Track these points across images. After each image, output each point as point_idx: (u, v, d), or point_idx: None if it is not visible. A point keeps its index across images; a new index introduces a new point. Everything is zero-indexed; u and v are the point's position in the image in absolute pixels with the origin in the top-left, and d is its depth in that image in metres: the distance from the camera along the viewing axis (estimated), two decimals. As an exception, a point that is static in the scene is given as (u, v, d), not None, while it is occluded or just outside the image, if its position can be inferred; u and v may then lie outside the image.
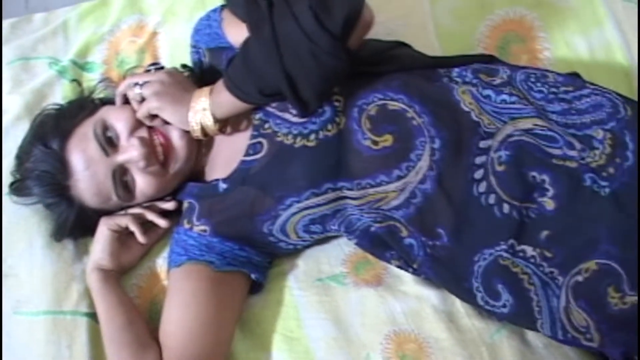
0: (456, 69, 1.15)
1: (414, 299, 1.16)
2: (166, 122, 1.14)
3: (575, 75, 1.19)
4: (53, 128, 1.16)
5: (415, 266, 1.11)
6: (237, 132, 1.16)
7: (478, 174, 1.04)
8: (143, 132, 1.14)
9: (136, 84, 1.15)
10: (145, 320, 1.17)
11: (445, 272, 1.08)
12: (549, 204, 1.01)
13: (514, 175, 1.02)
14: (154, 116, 1.14)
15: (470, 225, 1.04)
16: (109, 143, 1.13)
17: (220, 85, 1.08)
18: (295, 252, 1.23)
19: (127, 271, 1.23)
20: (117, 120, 1.15)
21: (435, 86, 1.12)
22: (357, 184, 1.08)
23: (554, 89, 1.10)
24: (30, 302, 1.18)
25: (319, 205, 1.10)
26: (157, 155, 1.14)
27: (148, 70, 1.19)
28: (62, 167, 1.13)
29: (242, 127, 1.16)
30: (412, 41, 1.25)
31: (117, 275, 1.20)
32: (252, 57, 1.03)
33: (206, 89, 1.10)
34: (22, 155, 1.19)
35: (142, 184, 1.15)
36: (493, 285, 1.04)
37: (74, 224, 1.18)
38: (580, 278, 0.99)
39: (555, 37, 1.39)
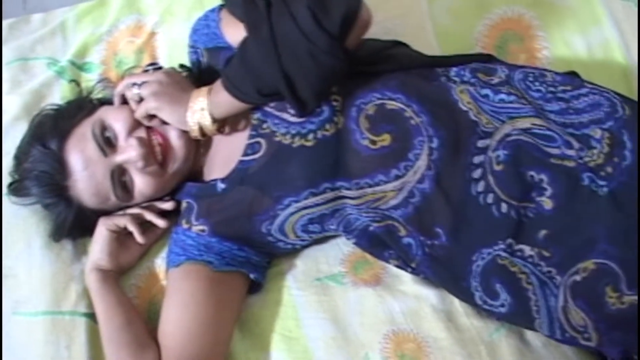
0: (454, 68, 1.15)
1: (412, 299, 1.16)
2: (164, 122, 1.14)
3: (573, 74, 1.19)
4: (51, 128, 1.16)
5: (413, 265, 1.11)
6: (236, 132, 1.16)
7: (476, 174, 1.04)
8: (141, 132, 1.15)
9: (134, 84, 1.15)
10: (144, 320, 1.17)
11: (444, 272, 1.08)
12: (547, 204, 1.01)
13: (512, 175, 1.03)
14: (152, 116, 1.14)
15: (468, 225, 1.04)
16: (107, 143, 1.13)
17: (218, 85, 1.08)
18: (293, 251, 1.23)
19: (125, 271, 1.23)
20: (116, 120, 1.15)
21: (433, 85, 1.12)
22: (356, 184, 1.08)
23: (552, 88, 1.10)
24: (29, 303, 1.18)
25: (317, 205, 1.10)
26: (155, 155, 1.14)
27: (146, 71, 1.20)
28: (60, 168, 1.13)
29: (240, 127, 1.16)
30: (410, 41, 1.25)
31: (116, 276, 1.20)
32: (250, 57, 1.03)
33: (204, 89, 1.10)
34: (21, 156, 1.19)
35: (141, 184, 1.15)
36: (491, 285, 1.04)
37: (72, 224, 1.18)
38: (578, 278, 0.99)
39: (554, 36, 1.39)
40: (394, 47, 1.21)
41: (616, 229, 0.98)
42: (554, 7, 1.39)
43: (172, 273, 1.16)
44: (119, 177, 1.14)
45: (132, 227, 1.18)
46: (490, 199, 1.03)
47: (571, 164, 1.02)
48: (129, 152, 1.12)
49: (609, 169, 1.01)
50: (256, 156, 1.11)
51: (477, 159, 1.04)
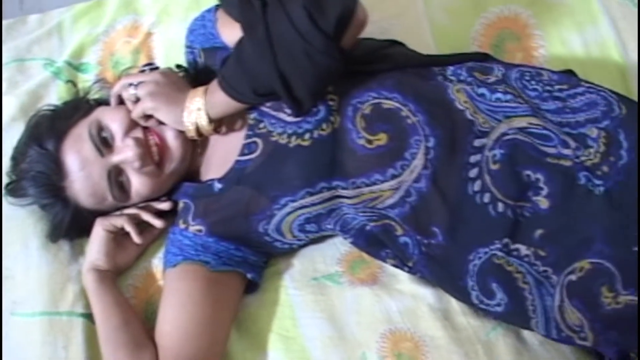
0: (451, 68, 1.15)
1: (409, 298, 1.16)
2: (161, 123, 1.14)
3: (570, 73, 1.19)
4: (48, 129, 1.16)
5: (410, 265, 1.11)
6: (232, 131, 1.16)
7: (473, 173, 1.04)
8: (138, 133, 1.15)
9: (131, 84, 1.15)
10: (141, 320, 1.17)
11: (440, 271, 1.08)
12: (543, 203, 1.01)
13: (509, 174, 1.03)
14: (148, 116, 1.14)
15: (465, 224, 1.04)
16: (104, 143, 1.13)
17: (214, 85, 1.08)
18: (290, 251, 1.23)
19: (123, 271, 1.23)
20: (112, 120, 1.15)
21: (429, 85, 1.12)
22: (352, 183, 1.08)
23: (548, 87, 1.10)
24: (26, 303, 1.18)
25: (314, 204, 1.10)
26: (152, 155, 1.14)
27: (143, 71, 1.19)
28: (57, 168, 1.13)
29: (236, 127, 1.16)
30: (406, 40, 1.24)
31: (113, 276, 1.20)
32: (246, 57, 1.03)
33: (201, 89, 1.10)
34: (18, 156, 1.19)
35: (138, 184, 1.15)
36: (487, 284, 1.04)
37: (69, 224, 1.18)
38: (574, 277, 0.99)
39: (550, 34, 1.39)
40: (390, 47, 1.21)
41: (612, 229, 0.98)
42: (550, 6, 1.39)
43: (169, 273, 1.16)
44: (116, 177, 1.14)
45: (129, 228, 1.18)
46: (486, 198, 1.03)
47: (567, 163, 1.02)
48: (125, 152, 1.12)
49: (605, 168, 1.01)
50: (253, 156, 1.11)
51: (473, 158, 1.04)
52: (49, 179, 1.13)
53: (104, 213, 1.20)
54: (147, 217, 1.20)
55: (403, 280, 1.18)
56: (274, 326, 1.17)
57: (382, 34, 1.30)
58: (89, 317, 1.17)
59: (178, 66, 1.27)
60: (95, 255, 1.18)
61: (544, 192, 1.01)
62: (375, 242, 1.13)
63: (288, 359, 1.13)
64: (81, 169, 1.12)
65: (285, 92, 1.02)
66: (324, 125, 1.08)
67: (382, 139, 1.07)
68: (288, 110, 1.08)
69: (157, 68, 1.20)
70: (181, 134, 1.14)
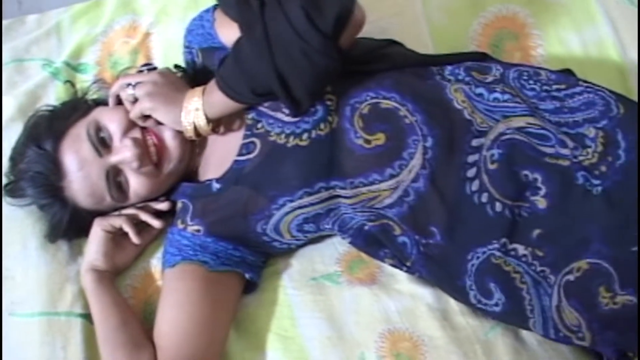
0: (449, 67, 1.15)
1: (408, 298, 1.16)
2: (159, 123, 1.14)
3: (568, 73, 1.19)
4: (46, 129, 1.16)
5: (408, 264, 1.11)
6: (230, 132, 1.16)
7: (470, 173, 1.04)
8: (136, 133, 1.15)
9: (129, 84, 1.15)
10: (139, 320, 1.17)
11: (439, 271, 1.08)
12: (541, 203, 1.01)
13: (506, 174, 1.03)
14: (147, 117, 1.14)
15: (463, 224, 1.04)
16: (102, 144, 1.13)
17: (212, 85, 1.08)
18: (289, 251, 1.23)
19: (121, 272, 1.23)
20: (110, 121, 1.15)
21: (427, 84, 1.12)
22: (350, 183, 1.08)
23: (546, 87, 1.10)
24: (24, 304, 1.18)
25: (312, 204, 1.10)
26: (150, 155, 1.14)
27: (141, 71, 1.19)
28: (55, 168, 1.13)
29: (235, 127, 1.16)
30: (404, 40, 1.24)
31: (112, 276, 1.20)
32: (244, 57, 1.03)
33: (199, 89, 1.10)
34: (16, 157, 1.19)
35: (136, 184, 1.15)
36: (485, 284, 1.04)
37: (68, 225, 1.18)
38: (571, 277, 0.99)
39: (549, 34, 1.38)
40: (388, 46, 1.21)
41: (610, 229, 0.98)
42: (548, 5, 1.39)
43: (167, 273, 1.16)
44: (114, 177, 1.14)
45: (127, 228, 1.18)
46: (484, 198, 1.03)
47: (565, 163, 1.02)
48: (123, 152, 1.12)
49: (603, 168, 1.01)
50: (251, 156, 1.11)
51: (471, 158, 1.04)
52: (47, 179, 1.13)
53: (103, 213, 1.20)
54: (145, 217, 1.20)
55: (402, 280, 1.18)
56: (273, 326, 1.17)
57: (380, 33, 1.30)
58: (87, 317, 1.17)
59: (176, 66, 1.27)
60: (94, 256, 1.18)
61: (542, 191, 1.01)
62: (373, 241, 1.13)
63: (287, 358, 1.13)
64: (79, 169, 1.12)
65: (283, 92, 1.02)
66: (322, 125, 1.08)
67: (380, 138, 1.07)
68: (286, 110, 1.08)
69: (155, 68, 1.20)
70: (179, 134, 1.14)
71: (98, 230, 1.19)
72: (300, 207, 1.11)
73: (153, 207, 1.21)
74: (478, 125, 1.06)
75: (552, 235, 1.00)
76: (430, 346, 1.11)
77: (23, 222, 1.24)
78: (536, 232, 1.01)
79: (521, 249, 1.01)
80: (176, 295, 1.13)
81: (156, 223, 1.20)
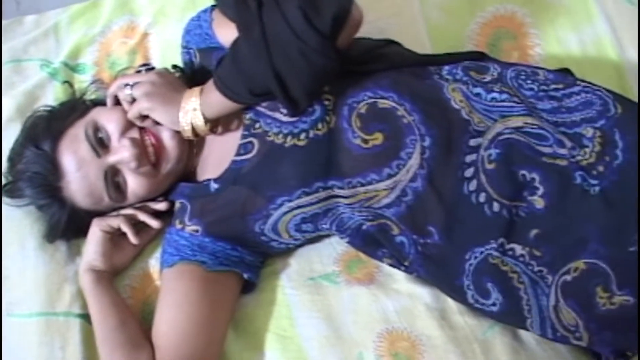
0: (446, 67, 1.15)
1: (406, 297, 1.16)
2: (157, 123, 1.14)
3: (566, 72, 1.19)
4: (44, 129, 1.16)
5: (406, 264, 1.11)
6: (228, 132, 1.16)
7: (468, 172, 1.04)
8: (134, 133, 1.15)
9: (127, 84, 1.15)
10: (138, 320, 1.17)
11: (437, 270, 1.09)
12: (539, 203, 1.01)
13: (504, 174, 1.03)
14: (145, 117, 1.14)
15: (461, 224, 1.04)
16: (100, 144, 1.13)
17: (210, 85, 1.08)
18: (287, 251, 1.23)
19: (119, 272, 1.23)
20: (108, 121, 1.15)
21: (425, 84, 1.12)
22: (348, 183, 1.08)
23: (544, 87, 1.10)
24: (23, 304, 1.18)
25: (310, 204, 1.10)
26: (148, 155, 1.14)
27: (139, 71, 1.20)
28: (53, 169, 1.13)
29: (233, 127, 1.16)
30: (402, 39, 1.24)
31: (110, 276, 1.20)
32: (241, 57, 1.03)
33: (196, 89, 1.10)
34: (14, 157, 1.19)
35: (134, 184, 1.15)
36: (483, 284, 1.04)
37: (66, 225, 1.18)
38: (569, 277, 0.99)
39: (547, 33, 1.39)
40: (386, 46, 1.21)
41: (607, 229, 0.98)
42: (546, 5, 1.39)
43: (166, 273, 1.16)
44: (112, 177, 1.14)
45: (125, 228, 1.18)
46: (482, 198, 1.03)
47: (563, 162, 1.02)
48: (121, 152, 1.12)
49: (601, 168, 1.01)
50: (249, 156, 1.11)
51: (469, 158, 1.05)
52: (46, 180, 1.14)
53: (101, 213, 1.20)
54: (143, 217, 1.20)
55: (400, 279, 1.18)
56: (271, 326, 1.17)
57: (378, 33, 1.30)
58: (86, 317, 1.17)
59: (174, 66, 1.27)
60: (92, 256, 1.18)
61: (540, 191, 1.01)
62: (371, 241, 1.13)
63: (285, 358, 1.13)
64: (78, 170, 1.12)
65: (281, 92, 1.02)
66: (320, 125, 1.08)
67: (377, 138, 1.07)
68: (284, 110, 1.08)
69: (153, 68, 1.21)
70: (177, 134, 1.14)
71: (96, 231, 1.19)
72: (298, 207, 1.11)
73: (151, 207, 1.21)
74: (476, 125, 1.06)
75: (550, 235, 1.00)
76: (429, 345, 1.11)
77: (21, 222, 1.24)
78: (534, 232, 1.01)
79: (519, 249, 1.01)
80: (174, 295, 1.13)
81: (154, 223, 1.20)
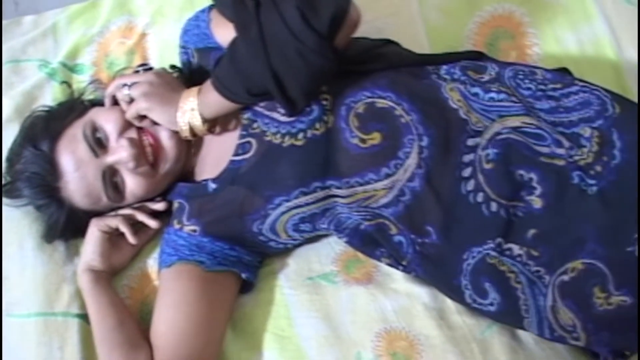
0: (444, 66, 1.15)
1: (404, 297, 1.16)
2: (155, 123, 1.14)
3: (564, 71, 1.19)
4: (43, 130, 1.16)
5: (404, 264, 1.11)
6: (226, 132, 1.16)
7: (466, 172, 1.04)
8: (132, 133, 1.15)
9: (125, 85, 1.15)
10: (136, 320, 1.18)
11: (435, 270, 1.09)
12: (537, 203, 1.01)
13: (502, 174, 1.02)
14: (143, 117, 1.14)
15: (458, 223, 1.04)
16: (98, 144, 1.13)
17: (208, 85, 1.08)
18: (285, 251, 1.23)
19: (118, 272, 1.23)
20: (107, 121, 1.15)
21: (423, 84, 1.12)
22: (346, 183, 1.08)
23: (542, 86, 1.10)
24: (21, 304, 1.18)
25: (308, 204, 1.10)
26: (146, 155, 1.14)
27: (137, 72, 1.20)
28: (52, 169, 1.13)
29: (230, 127, 1.16)
30: (401, 39, 1.24)
31: (108, 276, 1.20)
32: (239, 57, 1.03)
33: (194, 89, 1.10)
34: (13, 157, 1.19)
35: (132, 184, 1.15)
36: (480, 284, 1.04)
37: (64, 225, 1.18)
38: (566, 277, 0.99)
39: (545, 32, 1.38)
40: (384, 46, 1.21)
41: (605, 229, 0.98)
42: (544, 4, 1.39)
43: (164, 273, 1.16)
44: (110, 177, 1.14)
45: (123, 228, 1.18)
46: (480, 197, 1.03)
47: (561, 162, 1.02)
48: (120, 152, 1.12)
49: (599, 168, 1.01)
50: (247, 156, 1.11)
51: (467, 158, 1.04)
52: (44, 180, 1.14)
53: (99, 214, 1.20)
54: (142, 217, 1.20)
55: (398, 279, 1.18)
56: (269, 326, 1.17)
57: (377, 33, 1.30)
58: (84, 317, 1.17)
59: (172, 66, 1.27)
60: (91, 256, 1.18)
61: (538, 191, 1.01)
62: (369, 241, 1.13)
63: (283, 358, 1.13)
64: (76, 170, 1.12)
65: (278, 92, 1.02)
66: (318, 125, 1.08)
67: (375, 138, 1.07)
68: (282, 110, 1.08)
69: (151, 68, 1.21)
70: (175, 134, 1.14)
71: (95, 231, 1.19)
72: (296, 207, 1.11)
73: (149, 207, 1.21)
74: (474, 124, 1.06)
75: (547, 235, 1.00)
76: (427, 345, 1.11)
77: (20, 222, 1.24)
78: (531, 232, 1.01)
79: (516, 249, 1.01)
80: (173, 295, 1.13)
81: (152, 223, 1.20)
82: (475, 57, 1.19)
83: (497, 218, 1.02)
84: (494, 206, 1.02)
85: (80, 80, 1.43)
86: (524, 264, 1.01)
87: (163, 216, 1.22)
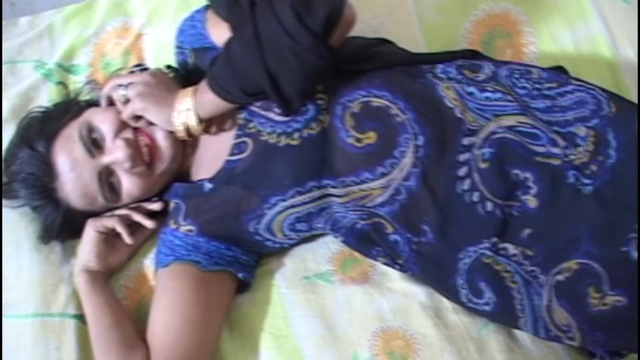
0: (440, 65, 1.15)
1: (401, 296, 1.16)
2: (151, 123, 1.14)
3: (560, 70, 1.19)
4: (39, 130, 1.16)
5: (401, 263, 1.11)
6: (222, 131, 1.16)
7: (462, 172, 1.04)
8: (128, 133, 1.15)
9: (120, 85, 1.15)
10: (133, 320, 1.18)
11: (431, 269, 1.09)
12: (532, 202, 1.01)
13: (497, 173, 1.02)
14: (138, 117, 1.14)
15: (454, 223, 1.04)
16: (94, 145, 1.13)
17: (203, 85, 1.08)
18: (282, 250, 1.23)
19: (114, 272, 1.23)
20: (102, 121, 1.15)
21: (419, 83, 1.11)
22: (342, 182, 1.08)
23: (537, 85, 1.09)
24: (18, 305, 1.18)
25: (304, 203, 1.10)
26: (142, 156, 1.14)
27: (132, 72, 1.19)
28: (48, 170, 1.13)
29: (226, 127, 1.16)
30: (397, 38, 1.25)
31: (105, 277, 1.20)
32: (234, 57, 1.03)
33: (190, 90, 1.10)
34: (9, 158, 1.19)
35: (128, 185, 1.15)
36: (476, 283, 1.04)
37: (60, 226, 1.18)
38: (561, 277, 0.99)
39: (541, 31, 1.38)
40: (380, 45, 1.21)
41: (600, 229, 0.98)
42: (540, 3, 1.39)
43: (160, 273, 1.16)
44: (107, 178, 1.14)
45: (120, 228, 1.18)
46: (475, 197, 1.03)
47: (556, 162, 1.01)
48: (115, 153, 1.12)
49: (594, 167, 1.00)
50: (242, 156, 1.12)
51: (462, 157, 1.04)
52: (40, 181, 1.14)
53: (96, 214, 1.20)
54: (138, 217, 1.20)
55: (394, 278, 1.18)
56: (266, 325, 1.17)
57: (372, 32, 1.30)
58: (81, 318, 1.17)
59: (168, 67, 1.27)
60: (87, 257, 1.18)
61: (533, 191, 1.01)
62: (365, 240, 1.13)
63: (280, 358, 1.13)
64: (72, 170, 1.12)
65: (274, 92, 1.02)
66: (313, 125, 1.08)
67: (371, 137, 1.07)
68: (277, 110, 1.08)
69: (147, 69, 1.21)
70: (171, 134, 1.14)
71: (91, 231, 1.19)
72: (292, 206, 1.11)
73: (146, 207, 1.21)
74: (469, 123, 1.06)
75: (542, 234, 1.00)
76: (424, 344, 1.11)
77: (16, 223, 1.24)
78: (526, 231, 1.01)
79: (511, 249, 1.01)
80: (169, 295, 1.13)
81: (149, 223, 1.20)
82: (471, 56, 1.19)
83: (493, 217, 1.02)
84: (489, 205, 1.02)
85: (76, 81, 1.43)
86: (519, 263, 1.01)
87: (159, 216, 1.22)
